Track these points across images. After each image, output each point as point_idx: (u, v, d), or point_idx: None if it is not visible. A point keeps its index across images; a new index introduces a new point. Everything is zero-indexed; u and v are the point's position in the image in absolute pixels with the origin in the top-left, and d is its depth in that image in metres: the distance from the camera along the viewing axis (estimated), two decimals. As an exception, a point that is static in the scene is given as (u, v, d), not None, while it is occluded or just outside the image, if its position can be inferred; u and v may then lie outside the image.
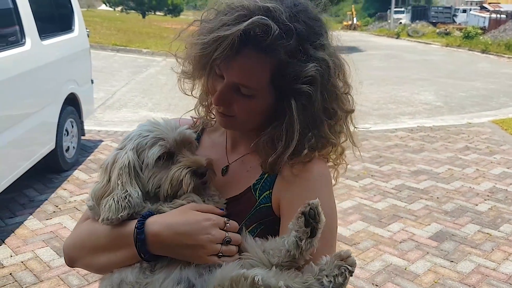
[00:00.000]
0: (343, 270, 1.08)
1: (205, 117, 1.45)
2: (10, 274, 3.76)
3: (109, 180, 1.21)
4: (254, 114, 1.24)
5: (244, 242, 1.21)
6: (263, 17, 1.12)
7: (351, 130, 1.34)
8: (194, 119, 1.49)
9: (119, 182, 1.20)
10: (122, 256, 1.20)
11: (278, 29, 1.12)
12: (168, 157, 1.25)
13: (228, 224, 1.21)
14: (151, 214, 1.20)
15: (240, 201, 1.29)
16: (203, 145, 1.46)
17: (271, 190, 1.27)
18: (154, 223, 1.18)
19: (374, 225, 4.89)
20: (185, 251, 1.16)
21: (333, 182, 1.34)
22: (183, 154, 1.27)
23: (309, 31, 1.17)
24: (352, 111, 1.31)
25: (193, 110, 1.46)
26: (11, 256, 4.01)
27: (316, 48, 1.18)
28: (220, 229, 1.19)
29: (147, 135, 1.25)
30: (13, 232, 4.42)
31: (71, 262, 1.34)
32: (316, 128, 1.23)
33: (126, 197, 1.18)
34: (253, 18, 1.12)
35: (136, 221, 1.19)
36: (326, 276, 1.08)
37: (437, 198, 5.69)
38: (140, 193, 1.20)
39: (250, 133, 1.33)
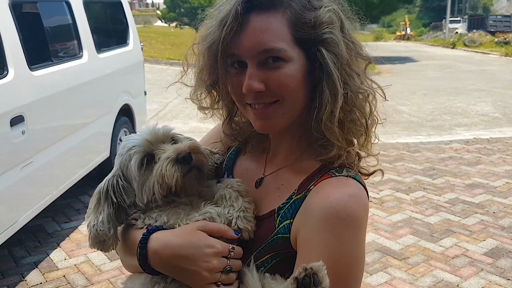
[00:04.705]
0: None
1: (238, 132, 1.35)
2: (64, 276, 3.93)
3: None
4: (293, 85, 1.11)
5: (250, 277, 1.12)
6: None
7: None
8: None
9: (88, 212, 1.22)
10: (136, 262, 1.17)
11: None
12: (149, 160, 1.19)
13: (232, 253, 1.13)
14: (157, 229, 1.15)
15: (262, 223, 1.19)
16: (245, 155, 1.38)
17: (292, 220, 1.14)
18: (156, 239, 1.13)
19: (425, 239, 4.72)
20: (182, 274, 1.11)
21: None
22: (163, 150, 1.19)
23: None
24: (371, 60, 1.20)
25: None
26: (65, 259, 4.19)
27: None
28: (223, 256, 1.12)
29: (123, 151, 1.22)
30: (68, 236, 4.62)
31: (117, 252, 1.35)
32: (349, 84, 1.13)
33: (88, 226, 1.20)
34: None
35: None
36: None
37: (494, 212, 5.42)
38: (104, 218, 1.18)
39: (292, 135, 1.23)
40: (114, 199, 1.20)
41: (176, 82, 1.32)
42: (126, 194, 1.21)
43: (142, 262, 1.14)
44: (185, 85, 1.32)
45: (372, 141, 1.22)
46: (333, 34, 1.10)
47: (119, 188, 1.21)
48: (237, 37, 1.08)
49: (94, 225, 1.17)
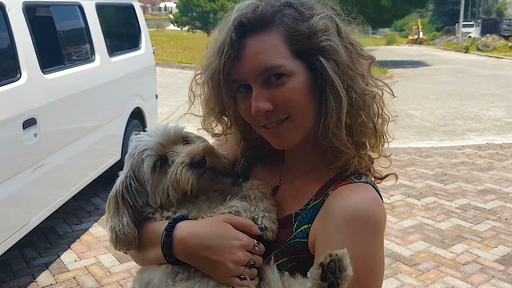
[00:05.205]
0: None
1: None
2: (74, 278, 3.96)
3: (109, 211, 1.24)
4: (300, 98, 1.12)
5: (270, 274, 1.12)
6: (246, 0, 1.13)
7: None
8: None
9: (108, 216, 1.22)
10: (154, 254, 1.17)
11: (263, 2, 1.12)
12: (162, 163, 1.19)
13: (257, 248, 1.14)
14: (183, 218, 1.16)
15: (279, 227, 1.19)
16: (259, 163, 1.39)
17: (310, 225, 1.15)
18: (182, 228, 1.13)
19: (436, 245, 4.68)
20: (207, 264, 1.11)
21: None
22: (176, 152, 1.18)
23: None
24: (373, 59, 1.20)
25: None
26: (76, 261, 4.23)
27: (309, 9, 1.14)
28: (248, 251, 1.12)
29: (134, 152, 1.21)
30: (78, 238, 4.66)
31: None
32: (353, 88, 1.12)
33: (112, 231, 1.19)
34: (237, 6, 1.12)
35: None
36: None
37: (506, 219, 5.36)
38: (128, 220, 1.18)
39: (307, 145, 1.22)
40: (129, 201, 1.21)
41: (185, 113, 1.35)
42: (138, 195, 1.21)
43: (166, 251, 1.13)
44: (195, 115, 1.34)
45: (386, 141, 1.22)
46: (330, 41, 1.11)
47: (132, 190, 1.21)
48: (236, 63, 1.11)
49: (120, 229, 1.17)
